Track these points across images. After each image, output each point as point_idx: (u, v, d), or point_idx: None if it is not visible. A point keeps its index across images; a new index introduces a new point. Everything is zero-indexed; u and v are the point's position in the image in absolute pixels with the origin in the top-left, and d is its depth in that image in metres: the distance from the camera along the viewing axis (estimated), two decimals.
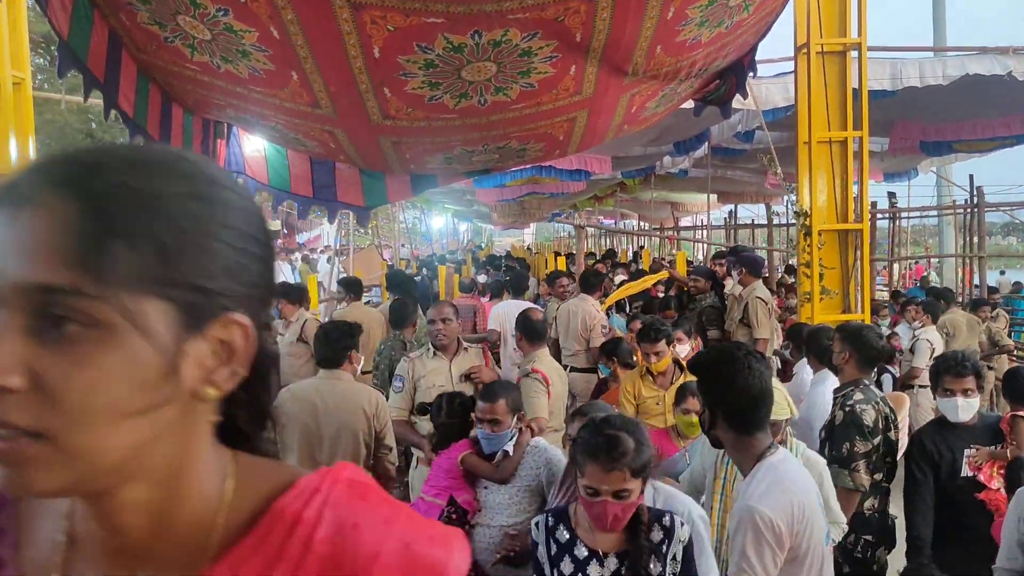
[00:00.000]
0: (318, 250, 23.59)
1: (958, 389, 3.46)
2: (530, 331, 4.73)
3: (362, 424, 3.81)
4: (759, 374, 2.24)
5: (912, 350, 7.24)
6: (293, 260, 19.47)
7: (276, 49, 3.75)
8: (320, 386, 3.90)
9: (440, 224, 39.40)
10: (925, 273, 18.03)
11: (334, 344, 3.93)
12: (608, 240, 27.39)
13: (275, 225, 23.79)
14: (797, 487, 2.18)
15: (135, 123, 4.51)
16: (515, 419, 3.24)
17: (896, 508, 3.58)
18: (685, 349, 5.33)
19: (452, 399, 3.58)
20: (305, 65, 3.90)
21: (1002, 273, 21.76)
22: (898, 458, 3.60)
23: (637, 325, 6.85)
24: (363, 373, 6.26)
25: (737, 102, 6.27)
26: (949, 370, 3.50)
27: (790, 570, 2.13)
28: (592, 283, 6.71)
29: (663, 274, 8.75)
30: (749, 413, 2.23)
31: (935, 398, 3.65)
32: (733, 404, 2.24)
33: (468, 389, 4.40)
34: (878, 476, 3.43)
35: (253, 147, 6.43)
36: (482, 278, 12.00)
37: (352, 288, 7.49)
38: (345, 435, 3.78)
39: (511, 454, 3.20)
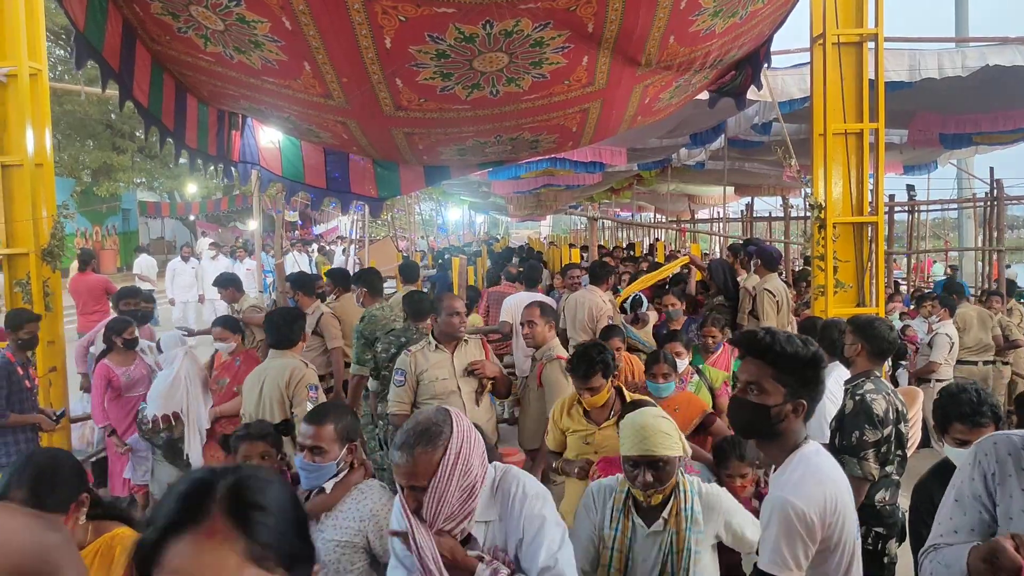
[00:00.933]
0: (333, 241, 23.68)
1: (973, 440, 2.64)
2: (556, 318, 4.77)
3: (276, 395, 4.33)
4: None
5: (930, 344, 7.18)
6: (310, 252, 19.57)
7: (288, 40, 3.76)
8: (266, 364, 4.51)
9: (456, 216, 39.49)
10: (937, 264, 17.74)
11: (282, 328, 4.54)
12: (625, 232, 27.32)
13: (292, 216, 23.92)
14: (830, 479, 2.16)
15: (150, 113, 4.54)
16: (344, 450, 2.72)
17: (905, 501, 3.56)
18: (682, 365, 4.81)
19: (253, 426, 3.23)
20: (317, 56, 3.91)
21: (1008, 267, 21.45)
22: (908, 453, 3.58)
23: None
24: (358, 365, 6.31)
25: (753, 93, 6.22)
26: (963, 419, 2.89)
27: (820, 561, 2.12)
28: (600, 275, 6.70)
29: (684, 259, 8.72)
30: (814, 409, 2.25)
31: (941, 440, 3.04)
32: (812, 401, 2.23)
33: (472, 383, 4.43)
34: (889, 469, 3.41)
35: (268, 138, 6.46)
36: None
37: (340, 280, 7.37)
38: (268, 404, 4.34)
39: (327, 492, 2.68)
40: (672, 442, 2.57)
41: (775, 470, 2.27)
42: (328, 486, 2.67)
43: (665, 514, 2.60)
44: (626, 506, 2.67)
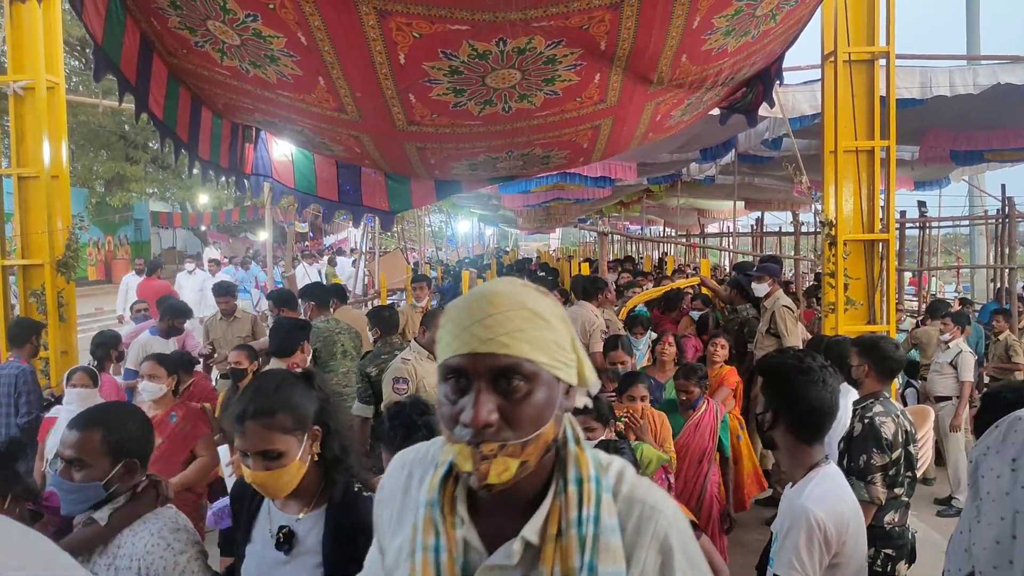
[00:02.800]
0: (346, 251, 23.72)
1: None
2: None
3: None
4: (831, 390, 2.29)
5: (954, 364, 7.11)
6: (320, 263, 19.60)
7: (303, 55, 3.79)
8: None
9: (466, 228, 39.56)
10: (933, 278, 17.49)
11: (285, 336, 4.48)
12: (634, 246, 27.30)
13: (303, 228, 24.01)
14: (849, 499, 2.26)
15: (165, 126, 4.59)
16: (120, 467, 2.16)
17: (922, 523, 3.53)
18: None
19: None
20: (332, 71, 3.94)
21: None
22: (918, 474, 3.55)
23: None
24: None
25: (764, 110, 6.23)
26: None
27: (830, 574, 2.19)
28: (591, 290, 6.80)
29: (694, 280, 8.65)
30: (814, 425, 2.29)
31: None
32: (800, 414, 2.27)
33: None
34: (898, 491, 3.39)
35: (280, 151, 6.50)
36: None
37: (336, 294, 7.57)
38: None
39: (102, 524, 2.11)
40: (546, 342, 1.15)
41: (791, 486, 2.36)
42: (103, 515, 2.12)
43: (531, 532, 1.15)
44: (445, 493, 1.22)
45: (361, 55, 3.75)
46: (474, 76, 4.00)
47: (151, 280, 11.52)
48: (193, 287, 13.53)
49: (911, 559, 3.48)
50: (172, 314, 6.48)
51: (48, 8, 5.49)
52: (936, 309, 8.00)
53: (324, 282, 15.11)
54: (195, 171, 5.43)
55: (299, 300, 7.01)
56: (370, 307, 10.97)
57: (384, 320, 5.53)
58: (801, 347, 6.88)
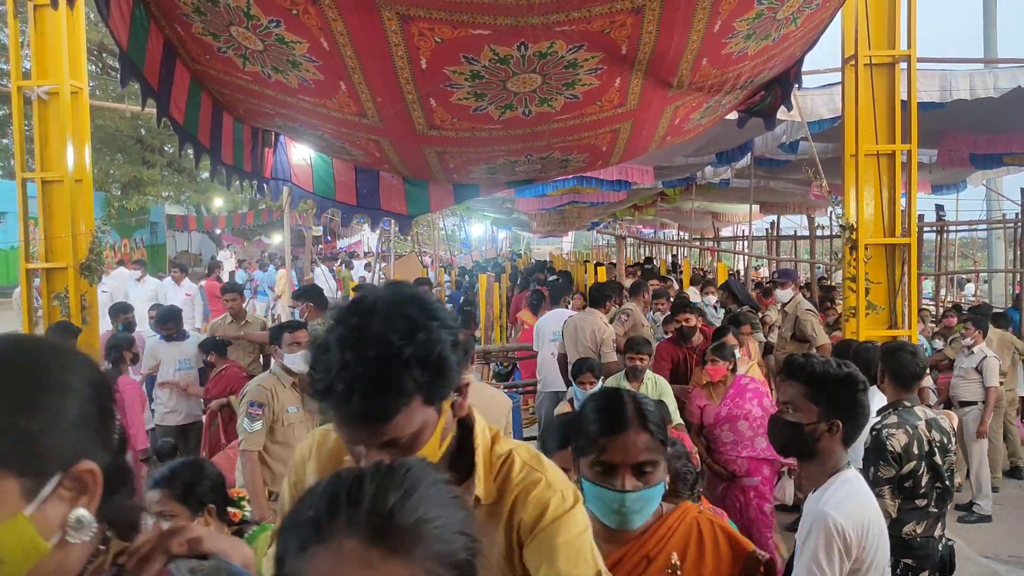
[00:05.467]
0: (360, 255, 23.81)
1: None
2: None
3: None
4: (867, 396, 2.34)
5: (979, 370, 7.05)
6: (332, 266, 19.68)
7: (325, 60, 3.81)
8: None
9: (479, 232, 39.61)
10: (927, 280, 17.25)
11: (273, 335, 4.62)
12: (648, 250, 27.27)
13: (318, 231, 24.12)
14: (871, 505, 2.25)
15: (186, 131, 4.62)
16: None
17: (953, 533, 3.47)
18: None
19: None
20: (353, 76, 3.96)
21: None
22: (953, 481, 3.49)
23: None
24: None
25: (782, 113, 6.21)
26: None
27: None
28: (598, 298, 6.70)
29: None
30: (855, 432, 2.31)
31: None
32: (859, 424, 2.30)
33: None
34: (920, 502, 3.33)
35: (299, 156, 6.53)
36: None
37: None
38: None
39: None
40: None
41: (813, 491, 2.34)
42: None
43: None
44: None
45: (383, 60, 3.77)
46: (495, 80, 4.01)
47: (209, 280, 12.76)
48: (142, 297, 11.85)
49: (943, 570, 3.42)
50: (163, 321, 6.59)
51: (72, 14, 5.54)
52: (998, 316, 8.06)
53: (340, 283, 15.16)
54: (207, 174, 5.47)
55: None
56: None
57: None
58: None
